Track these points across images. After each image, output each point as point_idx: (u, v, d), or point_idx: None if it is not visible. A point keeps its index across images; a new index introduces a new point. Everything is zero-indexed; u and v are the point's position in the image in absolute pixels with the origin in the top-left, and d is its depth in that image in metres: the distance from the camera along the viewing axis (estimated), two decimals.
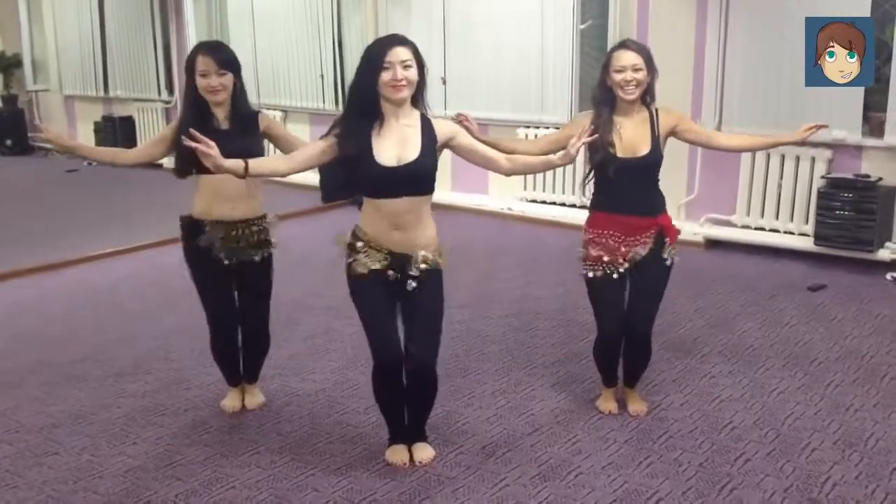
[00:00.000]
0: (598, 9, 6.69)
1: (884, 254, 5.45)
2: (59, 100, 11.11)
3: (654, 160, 3.32)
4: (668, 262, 3.38)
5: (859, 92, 5.47)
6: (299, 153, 3.02)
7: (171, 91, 9.78)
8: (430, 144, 2.91)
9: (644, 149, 3.29)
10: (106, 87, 10.52)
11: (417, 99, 2.93)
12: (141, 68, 10.04)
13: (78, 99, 10.94)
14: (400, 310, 3.03)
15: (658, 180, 3.39)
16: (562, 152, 2.95)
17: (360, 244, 2.97)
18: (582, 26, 6.72)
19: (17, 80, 11.24)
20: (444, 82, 7.36)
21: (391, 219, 2.90)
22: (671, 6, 6.17)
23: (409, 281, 2.94)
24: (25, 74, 11.20)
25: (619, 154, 3.27)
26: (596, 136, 3.05)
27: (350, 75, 8.34)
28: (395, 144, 2.87)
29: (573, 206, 6.92)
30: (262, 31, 8.73)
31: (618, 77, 3.25)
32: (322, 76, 8.41)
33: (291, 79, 8.68)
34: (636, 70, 3.23)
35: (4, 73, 11.12)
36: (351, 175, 2.94)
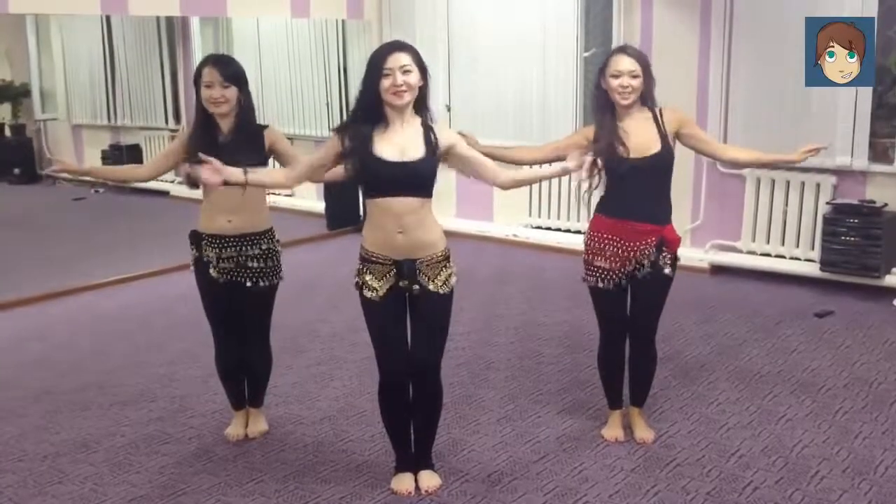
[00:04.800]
0: (602, 37, 6.73)
1: (891, 280, 5.43)
2: (66, 129, 11.17)
3: (665, 158, 3.28)
4: (666, 271, 3.35)
5: (865, 118, 5.48)
6: (299, 164, 3.09)
7: (177, 119, 9.84)
8: (433, 148, 2.92)
9: (654, 147, 3.26)
10: (114, 115, 10.60)
11: (421, 105, 2.95)
12: (148, 97, 10.12)
13: (86, 128, 11.01)
14: (409, 314, 3.03)
15: (669, 183, 3.35)
16: (560, 165, 2.92)
17: (363, 266, 2.98)
18: (586, 54, 6.76)
19: (25, 110, 11.31)
20: (449, 110, 7.40)
21: (393, 220, 2.90)
22: (675, 34, 6.20)
23: (415, 286, 2.94)
24: (34, 104, 11.28)
25: (630, 155, 3.25)
26: (597, 184, 3.02)
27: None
28: (398, 143, 2.89)
29: (578, 232, 6.92)
30: (268, 59, 8.82)
31: (614, 82, 3.24)
32: (328, 104, 8.47)
33: (296, 107, 8.74)
34: (633, 76, 3.22)
35: (13, 103, 11.19)
36: (354, 174, 2.94)
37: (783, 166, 5.80)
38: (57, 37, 10.96)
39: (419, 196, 2.92)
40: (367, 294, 2.97)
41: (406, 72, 2.83)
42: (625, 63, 3.23)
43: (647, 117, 3.31)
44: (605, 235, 3.33)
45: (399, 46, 2.88)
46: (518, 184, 3.14)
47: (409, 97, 2.87)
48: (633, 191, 3.28)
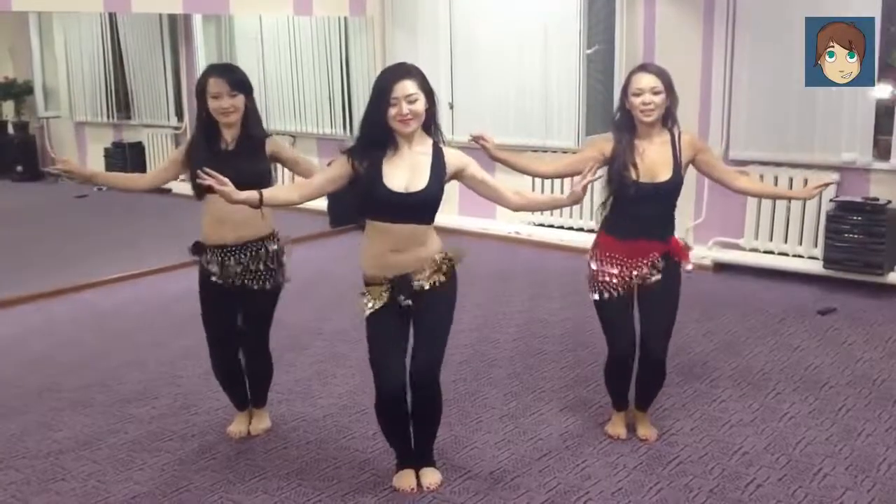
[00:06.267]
0: (605, 34, 6.72)
1: (894, 277, 5.42)
2: (69, 126, 11.19)
3: (674, 185, 3.29)
4: (683, 274, 3.38)
5: (869, 115, 5.47)
6: (311, 181, 3.07)
7: (180, 117, 9.84)
8: (439, 175, 2.92)
9: (665, 174, 3.26)
10: (117, 113, 10.60)
11: (430, 127, 2.95)
12: (151, 94, 10.12)
13: (88, 125, 11.02)
14: (412, 325, 3.03)
15: (675, 206, 3.36)
16: (569, 192, 2.97)
17: (366, 289, 3.01)
18: (588, 51, 6.75)
19: (28, 107, 11.32)
20: (452, 108, 7.39)
21: (391, 242, 2.92)
22: (677, 31, 6.19)
23: (406, 299, 2.95)
24: (37, 101, 11.29)
25: (640, 179, 3.24)
26: (600, 176, 3.03)
27: (357, 100, 8.42)
28: (405, 171, 2.89)
29: (580, 229, 6.92)
30: (270, 56, 8.81)
31: (636, 100, 3.22)
32: (330, 101, 8.46)
33: (299, 103, 8.74)
34: (655, 93, 3.20)
35: (16, 100, 11.21)
36: (359, 197, 2.96)
37: (787, 162, 5.81)
38: (60, 34, 10.97)
39: (421, 223, 2.94)
40: (365, 310, 2.99)
41: (412, 101, 2.83)
42: (646, 80, 3.21)
43: (665, 141, 3.30)
44: (611, 255, 3.33)
45: (404, 73, 2.86)
46: (530, 208, 3.22)
47: (415, 125, 2.87)
48: (640, 212, 3.28)
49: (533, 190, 6.96)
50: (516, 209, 3.14)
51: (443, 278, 2.99)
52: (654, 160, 3.26)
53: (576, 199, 2.97)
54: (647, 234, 3.30)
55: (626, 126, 3.30)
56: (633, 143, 3.27)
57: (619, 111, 3.35)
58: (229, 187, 2.81)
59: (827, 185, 3.44)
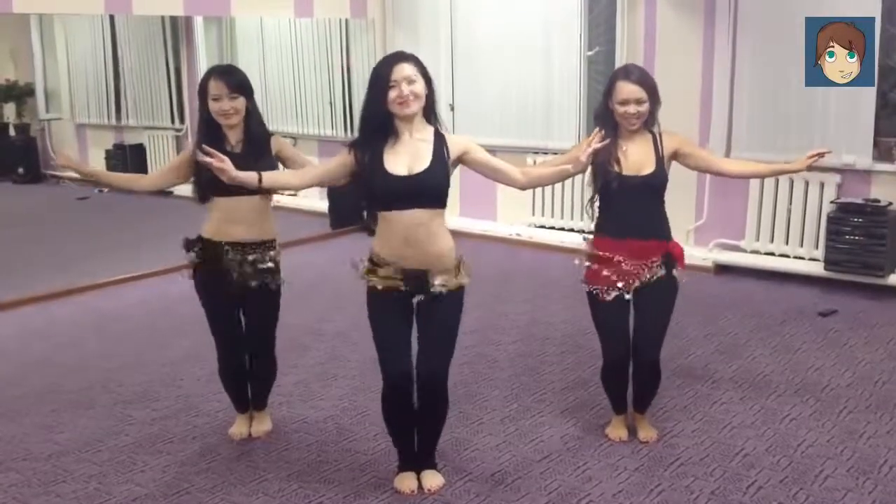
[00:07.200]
0: (606, 35, 6.73)
1: (895, 279, 5.42)
2: (70, 128, 11.20)
3: (658, 179, 3.30)
4: (683, 280, 3.37)
5: (869, 116, 5.47)
6: (312, 168, 3.12)
7: (181, 119, 9.86)
8: (442, 157, 2.92)
9: (648, 168, 3.28)
10: (118, 115, 10.61)
11: (429, 113, 2.95)
12: (152, 96, 10.13)
13: (89, 127, 11.03)
14: (416, 327, 3.03)
15: (663, 203, 3.37)
16: (574, 161, 2.99)
17: (371, 264, 3.00)
18: (589, 53, 6.75)
19: (29, 109, 11.34)
20: (453, 109, 7.40)
21: (403, 233, 2.90)
22: (678, 32, 6.20)
23: (419, 295, 2.95)
24: (38, 103, 11.30)
25: (624, 172, 3.27)
26: (607, 141, 3.07)
27: (358, 102, 8.42)
28: (406, 156, 2.90)
29: (581, 231, 6.91)
30: (271, 58, 8.82)
31: (620, 109, 3.25)
32: (331, 103, 8.47)
33: (300, 106, 8.75)
34: (640, 103, 3.23)
35: (17, 102, 11.22)
36: (363, 188, 2.96)
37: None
38: (61, 37, 10.99)
39: (429, 208, 2.92)
40: (375, 284, 2.96)
41: (411, 82, 2.84)
42: (631, 91, 3.23)
43: (647, 140, 3.33)
44: (605, 256, 3.33)
45: (402, 57, 2.89)
46: (537, 183, 3.22)
47: (415, 107, 2.88)
48: (628, 209, 3.29)
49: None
50: (524, 188, 3.16)
51: (465, 280, 3.00)
52: (636, 158, 3.29)
53: (581, 168, 2.99)
54: (637, 233, 3.30)
55: (609, 125, 3.32)
56: (616, 141, 3.30)
57: (601, 108, 3.36)
58: (227, 164, 2.83)
59: (822, 154, 3.38)
